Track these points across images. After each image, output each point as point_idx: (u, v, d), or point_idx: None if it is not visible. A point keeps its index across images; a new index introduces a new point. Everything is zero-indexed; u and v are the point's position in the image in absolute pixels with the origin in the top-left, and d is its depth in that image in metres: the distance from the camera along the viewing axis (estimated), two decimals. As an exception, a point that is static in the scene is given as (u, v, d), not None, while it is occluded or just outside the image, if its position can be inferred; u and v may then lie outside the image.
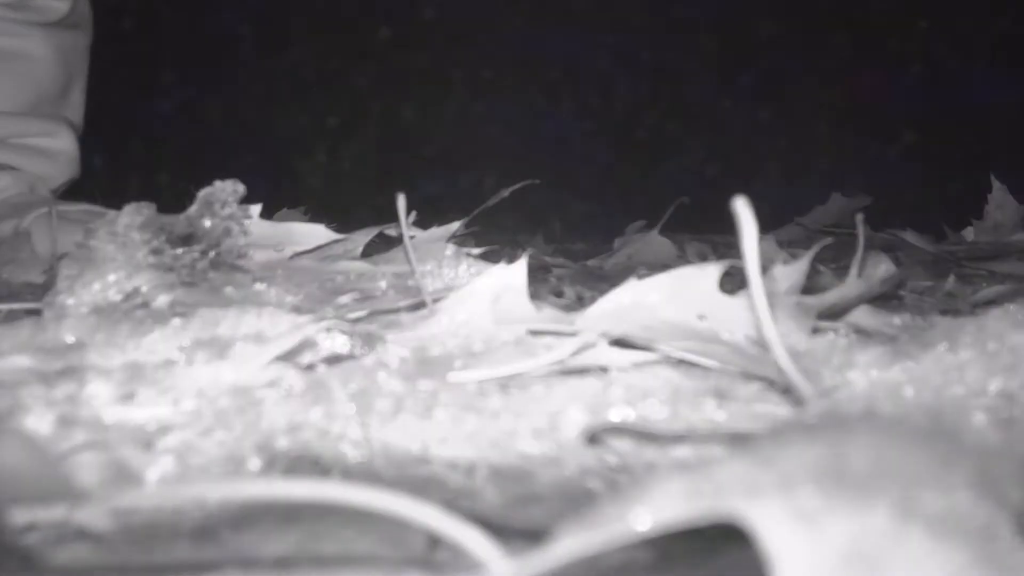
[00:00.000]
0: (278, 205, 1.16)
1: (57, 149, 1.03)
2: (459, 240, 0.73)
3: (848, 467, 0.17)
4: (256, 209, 0.73)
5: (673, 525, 0.17)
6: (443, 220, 0.73)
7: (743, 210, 0.36)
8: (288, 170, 2.21)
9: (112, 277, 0.54)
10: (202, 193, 0.66)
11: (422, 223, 0.71)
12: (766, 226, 0.36)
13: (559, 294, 0.81)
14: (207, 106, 2.26)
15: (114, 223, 0.57)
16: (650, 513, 0.17)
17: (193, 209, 0.63)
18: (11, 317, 0.56)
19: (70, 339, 0.46)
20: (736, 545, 0.23)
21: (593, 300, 0.61)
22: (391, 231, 0.77)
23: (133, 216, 0.64)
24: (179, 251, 0.59)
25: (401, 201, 0.53)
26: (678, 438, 0.31)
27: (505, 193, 0.75)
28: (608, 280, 0.90)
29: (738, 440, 0.30)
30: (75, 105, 1.07)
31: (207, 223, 0.61)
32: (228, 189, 0.61)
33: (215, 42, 2.25)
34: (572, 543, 0.17)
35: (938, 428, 0.22)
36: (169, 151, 2.21)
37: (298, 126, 2.29)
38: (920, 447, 0.18)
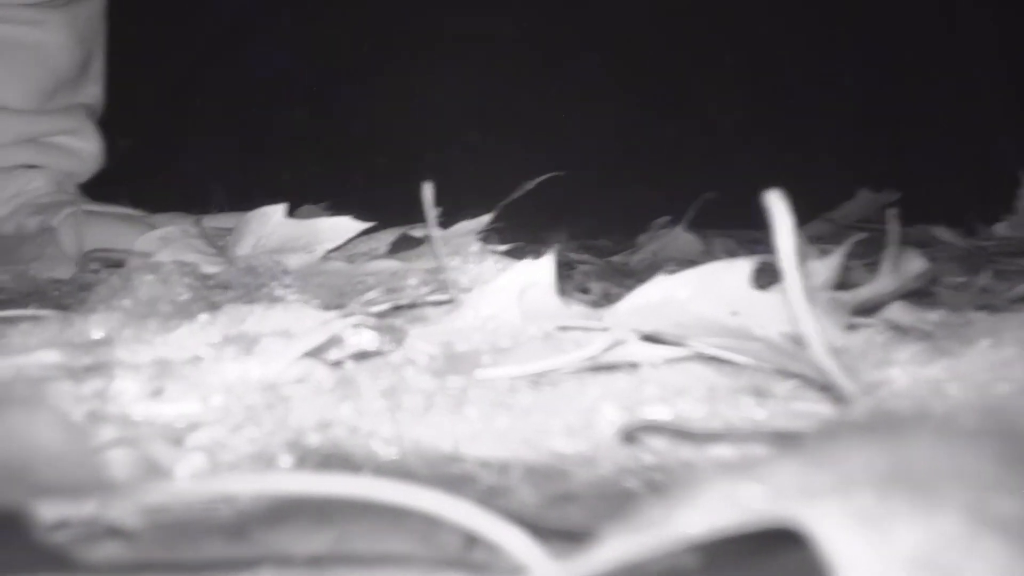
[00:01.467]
0: (298, 200, 1.16)
1: (82, 148, 1.03)
2: (482, 236, 0.73)
3: (910, 469, 0.16)
4: (281, 209, 0.73)
5: (726, 530, 0.16)
6: (464, 215, 0.72)
7: (777, 203, 0.35)
8: (303, 166, 2.21)
9: (145, 296, 0.55)
10: (244, 264, 0.67)
11: (443, 219, 0.70)
12: (793, 221, 0.35)
13: (585, 290, 0.80)
14: (221, 103, 2.27)
15: (159, 268, 0.58)
16: (701, 517, 0.16)
17: (235, 269, 0.65)
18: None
19: (98, 335, 0.46)
20: (785, 549, 0.22)
21: (619, 297, 0.60)
22: (415, 232, 0.77)
23: (180, 251, 0.66)
24: (214, 293, 0.60)
25: (428, 191, 0.52)
26: (718, 437, 0.31)
27: (530, 185, 0.75)
28: (634, 276, 0.90)
29: (782, 439, 0.30)
30: (95, 76, 1.06)
31: (247, 279, 0.63)
32: (273, 266, 0.64)
33: (227, 37, 2.26)
34: (618, 547, 0.17)
35: (999, 427, 0.21)
36: (185, 144, 2.22)
37: (312, 121, 2.29)
38: (984, 447, 0.17)
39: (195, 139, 2.23)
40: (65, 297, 0.68)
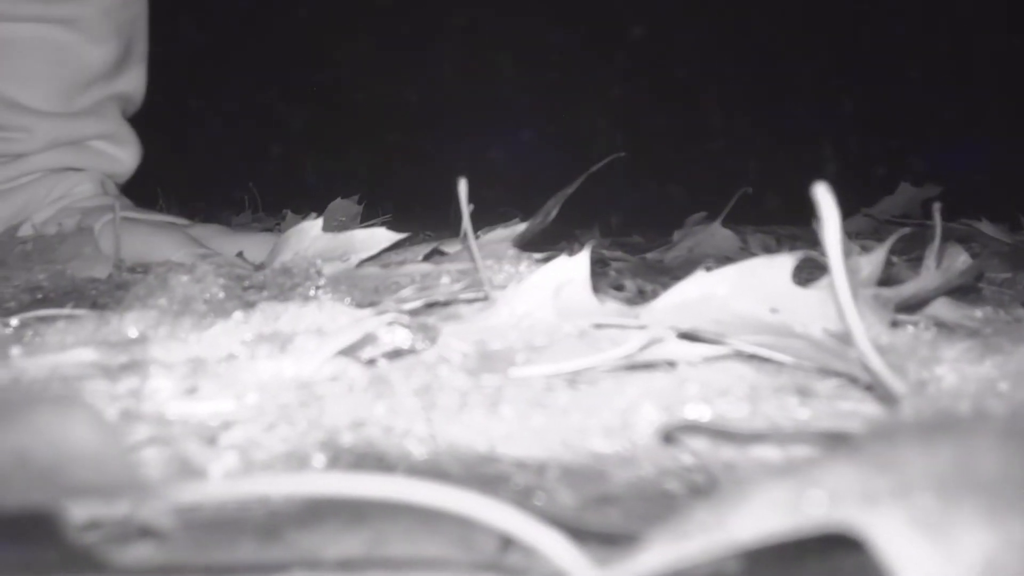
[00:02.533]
0: (326, 196, 1.16)
1: (119, 152, 1.04)
2: (518, 243, 0.73)
3: (974, 471, 0.15)
4: (318, 224, 0.73)
5: (780, 535, 0.16)
6: (493, 208, 0.72)
7: (824, 197, 0.34)
8: (330, 161, 2.21)
9: (180, 295, 0.55)
10: (279, 264, 0.68)
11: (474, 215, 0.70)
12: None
13: (619, 287, 0.80)
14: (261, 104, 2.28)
15: (194, 269, 0.58)
16: (753, 521, 0.15)
17: (270, 270, 0.66)
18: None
19: (133, 333, 0.46)
20: (833, 552, 0.21)
21: (655, 294, 0.59)
22: (447, 247, 0.77)
23: (214, 264, 0.67)
24: (249, 294, 0.61)
25: (463, 187, 0.52)
26: (762, 437, 0.30)
27: (568, 191, 0.74)
28: (669, 273, 0.88)
29: (829, 440, 0.29)
30: (137, 60, 1.04)
31: (281, 279, 0.63)
32: (308, 268, 0.64)
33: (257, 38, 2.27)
34: (664, 552, 0.16)
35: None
36: (214, 144, 2.24)
37: (340, 117, 2.29)
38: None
39: (207, 136, 2.25)
40: (102, 296, 0.69)
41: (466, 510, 0.21)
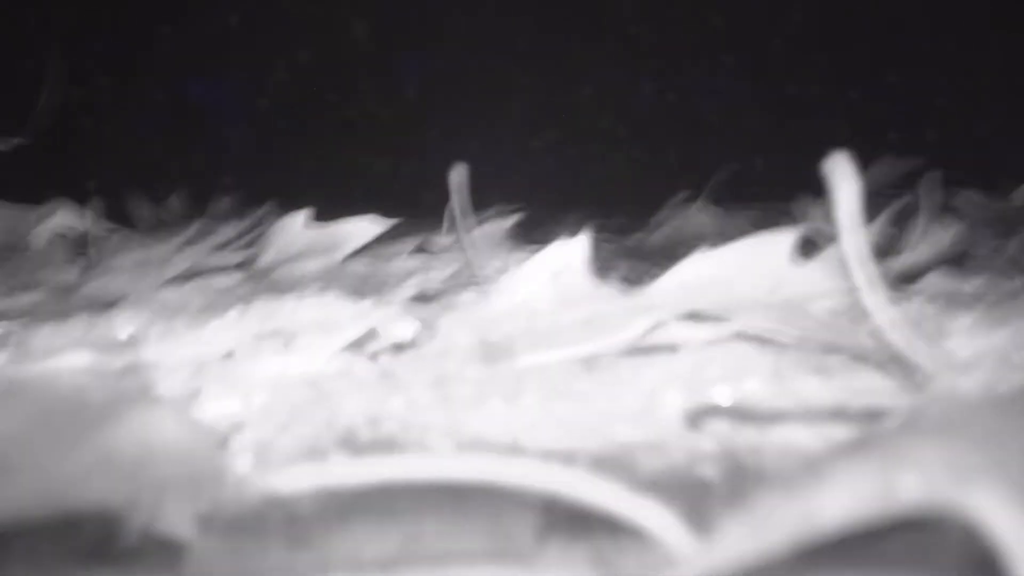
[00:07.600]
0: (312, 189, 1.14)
1: None
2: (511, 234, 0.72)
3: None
4: (302, 216, 0.72)
5: (870, 520, 0.15)
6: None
7: (842, 166, 0.33)
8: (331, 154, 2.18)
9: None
10: (265, 263, 0.67)
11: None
12: (814, 190, 0.34)
13: (608, 271, 0.79)
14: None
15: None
16: (843, 505, 0.15)
17: (256, 270, 0.65)
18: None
19: (124, 335, 0.45)
20: (909, 529, 0.21)
21: (644, 278, 0.58)
22: (438, 239, 0.76)
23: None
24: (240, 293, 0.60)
25: (459, 173, 0.51)
26: (794, 417, 0.29)
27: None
28: (654, 257, 0.88)
29: (867, 418, 0.28)
30: None
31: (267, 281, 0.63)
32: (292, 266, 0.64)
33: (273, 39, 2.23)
34: (747, 542, 0.15)
35: None
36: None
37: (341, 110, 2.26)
38: None
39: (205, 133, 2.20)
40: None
41: (546, 483, 0.20)
